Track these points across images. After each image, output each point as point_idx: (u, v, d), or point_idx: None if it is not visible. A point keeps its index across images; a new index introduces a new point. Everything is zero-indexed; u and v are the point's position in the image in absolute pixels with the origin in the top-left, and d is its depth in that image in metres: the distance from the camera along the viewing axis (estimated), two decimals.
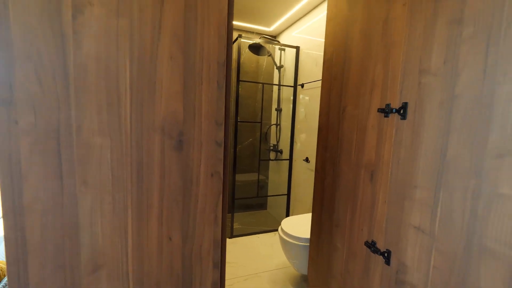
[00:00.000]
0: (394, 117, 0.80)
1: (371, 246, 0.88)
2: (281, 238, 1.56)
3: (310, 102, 2.06)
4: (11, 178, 0.45)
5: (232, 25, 0.58)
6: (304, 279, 1.72)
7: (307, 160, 2.08)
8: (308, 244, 1.44)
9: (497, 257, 0.54)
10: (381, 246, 0.85)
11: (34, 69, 0.45)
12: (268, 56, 2.52)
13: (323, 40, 1.85)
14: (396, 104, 0.80)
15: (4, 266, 0.85)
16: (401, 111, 0.77)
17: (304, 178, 2.15)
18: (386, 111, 0.82)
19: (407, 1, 0.77)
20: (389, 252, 0.82)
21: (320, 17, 1.92)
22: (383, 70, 0.85)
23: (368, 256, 0.91)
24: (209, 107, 0.57)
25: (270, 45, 2.49)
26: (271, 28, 2.45)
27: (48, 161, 0.47)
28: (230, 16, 0.57)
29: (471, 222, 0.59)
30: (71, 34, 0.46)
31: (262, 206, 2.83)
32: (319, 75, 1.93)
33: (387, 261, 0.82)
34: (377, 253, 0.85)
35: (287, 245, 1.53)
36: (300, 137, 2.22)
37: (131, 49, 0.50)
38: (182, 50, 0.53)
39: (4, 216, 0.46)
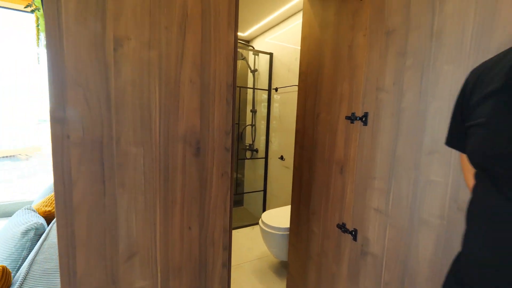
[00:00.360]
0: (358, 123, 1.01)
1: (342, 227, 1.09)
2: (262, 229, 1.73)
3: (283, 105, 2.26)
4: (63, 184, 0.54)
5: (237, 53, 0.72)
6: (282, 265, 1.92)
7: (282, 158, 2.28)
8: (286, 233, 1.63)
9: (429, 226, 0.77)
10: (349, 226, 1.06)
11: (83, 93, 0.54)
12: (242, 59, 2.65)
13: (295, 47, 2.05)
14: (359, 113, 1.01)
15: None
16: (363, 119, 0.98)
17: (279, 174, 2.35)
18: (352, 118, 1.03)
19: (366, 33, 0.98)
20: (355, 230, 1.03)
21: (292, 25, 2.11)
22: (349, 86, 1.05)
23: (340, 235, 1.12)
24: (220, 120, 0.70)
25: (244, 50, 2.63)
26: (245, 34, 2.59)
27: (93, 168, 0.57)
28: (235, 47, 0.71)
29: (413, 202, 0.82)
30: (113, 63, 0.56)
31: (239, 202, 2.97)
32: (292, 80, 2.13)
33: (354, 238, 1.03)
34: (346, 232, 1.07)
35: (268, 235, 1.70)
36: (275, 136, 2.41)
37: (159, 75, 0.61)
38: (199, 75, 0.66)
39: (57, 216, 0.54)
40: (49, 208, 1.42)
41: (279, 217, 1.79)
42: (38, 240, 1.14)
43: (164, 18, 0.60)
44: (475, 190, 0.46)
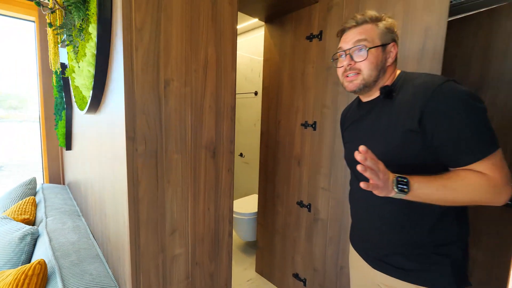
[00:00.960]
0: (310, 129, 1.44)
1: (300, 203, 1.51)
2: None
3: (242, 108, 2.60)
4: (133, 183, 0.77)
5: (236, 83, 1.03)
6: (248, 244, 2.28)
7: (241, 155, 2.63)
8: (253, 217, 2.00)
9: None
10: (305, 202, 1.50)
11: (146, 118, 0.78)
12: None
13: (252, 57, 2.39)
14: (310, 122, 1.43)
15: None
16: (313, 126, 1.41)
17: (239, 169, 2.69)
18: (305, 125, 1.46)
19: (314, 65, 1.40)
20: (310, 204, 1.47)
21: (251, 37, 2.45)
22: (303, 102, 1.47)
23: (298, 210, 1.54)
24: (226, 132, 1.01)
25: None
26: None
27: (151, 171, 0.81)
28: (235, 81, 1.02)
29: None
30: (163, 97, 0.81)
31: None
32: (248, 88, 2.48)
33: (309, 210, 1.47)
34: (303, 207, 1.50)
35: (237, 221, 2.04)
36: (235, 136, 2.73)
37: (191, 104, 0.88)
38: (215, 102, 0.95)
39: (129, 206, 0.77)
40: (27, 216, 1.43)
41: (243, 205, 2.14)
42: (35, 244, 1.21)
43: (194, 64, 0.87)
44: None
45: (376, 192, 0.59)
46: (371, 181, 0.58)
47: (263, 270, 1.86)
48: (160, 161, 0.83)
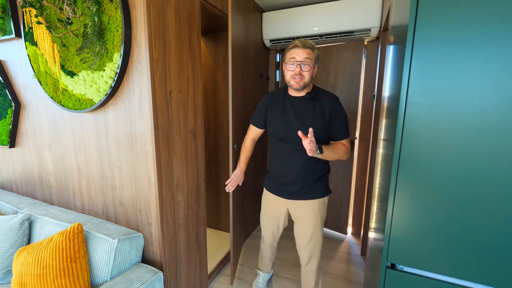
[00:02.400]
0: None
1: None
2: None
3: None
4: (157, 156, 1.24)
5: (202, 88, 1.58)
6: None
7: None
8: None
9: None
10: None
11: (162, 115, 1.25)
12: None
13: None
14: None
15: None
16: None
17: None
18: None
19: (219, 82, 2.06)
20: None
21: None
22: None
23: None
24: (200, 121, 1.56)
25: None
26: None
27: (165, 148, 1.29)
28: (201, 85, 1.56)
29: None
30: (169, 101, 1.29)
31: None
32: None
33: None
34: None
35: None
36: None
37: (182, 104, 1.39)
38: (193, 102, 1.48)
39: (156, 171, 1.25)
40: None
41: None
42: (31, 227, 1.41)
43: (182, 79, 1.37)
44: (273, 144, 1.62)
45: (309, 153, 1.20)
46: (310, 147, 1.15)
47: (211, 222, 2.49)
48: (169, 141, 1.32)
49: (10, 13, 1.48)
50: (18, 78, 1.63)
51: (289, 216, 1.56)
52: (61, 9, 1.24)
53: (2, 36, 1.55)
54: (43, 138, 1.62)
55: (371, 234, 1.47)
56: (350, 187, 2.44)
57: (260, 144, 2.07)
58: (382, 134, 1.35)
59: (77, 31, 1.21)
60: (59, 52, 1.28)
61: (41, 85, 1.46)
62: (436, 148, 0.77)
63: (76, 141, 1.48)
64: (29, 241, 1.40)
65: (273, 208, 1.55)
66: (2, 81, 1.64)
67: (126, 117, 1.27)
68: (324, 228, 2.62)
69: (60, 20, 1.22)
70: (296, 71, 1.25)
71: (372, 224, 1.44)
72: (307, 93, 1.34)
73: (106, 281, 1.19)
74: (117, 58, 1.17)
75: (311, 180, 1.40)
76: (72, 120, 1.46)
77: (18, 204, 1.60)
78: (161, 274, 1.26)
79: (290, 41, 2.30)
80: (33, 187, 1.77)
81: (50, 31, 1.25)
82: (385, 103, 1.30)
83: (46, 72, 1.42)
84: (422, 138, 0.78)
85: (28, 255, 1.18)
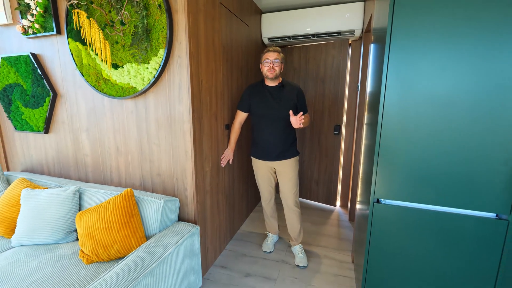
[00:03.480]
0: None
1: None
2: None
3: None
4: (193, 133, 1.55)
5: (221, 80, 1.89)
6: None
7: None
8: None
9: None
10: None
11: (197, 100, 1.55)
12: None
13: None
14: None
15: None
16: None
17: None
18: None
19: (225, 74, 2.38)
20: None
21: None
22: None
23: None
24: (221, 106, 1.87)
25: None
26: None
27: (198, 127, 1.60)
28: (221, 79, 1.88)
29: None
30: (201, 89, 1.59)
31: None
32: None
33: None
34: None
35: None
36: None
37: (213, 91, 1.69)
38: (215, 90, 1.79)
39: (193, 145, 1.55)
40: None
41: None
42: (80, 197, 1.66)
43: (209, 71, 1.68)
44: (256, 121, 1.97)
45: (295, 126, 1.69)
46: (299, 123, 1.67)
47: None
48: (201, 122, 1.62)
49: (52, 13, 1.70)
50: (56, 71, 1.84)
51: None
52: (109, 11, 1.49)
53: (43, 33, 1.75)
54: (81, 123, 1.85)
55: (359, 198, 1.87)
56: (338, 166, 2.85)
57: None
58: (365, 119, 1.74)
59: (126, 30, 1.47)
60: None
61: (83, 76, 1.70)
62: (406, 126, 1.16)
63: (115, 124, 1.73)
64: (80, 209, 1.65)
65: (264, 170, 2.00)
66: (40, 73, 1.84)
67: (166, 102, 1.55)
68: (316, 202, 3.04)
69: (112, 22, 1.48)
70: (270, 66, 1.77)
71: (360, 174, 1.83)
72: (279, 83, 1.87)
73: (156, 233, 1.48)
74: (162, 53, 1.45)
75: (287, 145, 1.90)
76: (112, 106, 1.71)
77: (59, 182, 1.83)
78: (198, 227, 1.57)
79: (286, 39, 2.65)
80: (68, 168, 2.00)
81: (102, 30, 1.50)
82: (367, 94, 1.69)
83: (89, 65, 1.66)
84: (395, 120, 1.16)
85: (91, 215, 1.44)
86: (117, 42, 1.51)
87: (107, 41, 1.52)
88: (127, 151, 1.75)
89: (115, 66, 1.58)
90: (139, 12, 1.42)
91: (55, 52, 1.81)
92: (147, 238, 1.46)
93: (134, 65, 1.53)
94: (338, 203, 2.98)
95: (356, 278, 1.76)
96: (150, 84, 1.52)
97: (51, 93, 1.86)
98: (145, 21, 1.42)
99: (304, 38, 2.57)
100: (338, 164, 2.85)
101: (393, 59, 1.14)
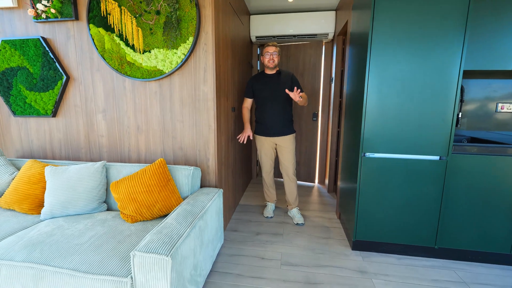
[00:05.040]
0: None
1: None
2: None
3: None
4: (216, 111, 1.82)
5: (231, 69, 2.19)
6: None
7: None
8: None
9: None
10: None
11: (218, 84, 1.83)
12: None
13: None
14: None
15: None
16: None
17: None
18: None
19: (231, 62, 2.71)
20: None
21: None
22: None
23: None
24: (240, 92, 2.17)
25: None
26: None
27: (217, 106, 1.87)
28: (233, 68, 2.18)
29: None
30: (219, 74, 1.88)
31: None
32: None
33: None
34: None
35: None
36: None
37: (226, 78, 1.98)
38: (231, 78, 2.08)
39: (216, 121, 1.83)
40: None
41: None
42: (107, 172, 1.78)
43: (224, 57, 1.97)
44: (259, 104, 2.38)
45: (296, 99, 2.09)
46: (298, 96, 2.07)
47: None
48: (220, 100, 1.90)
49: (71, 0, 1.79)
50: (69, 55, 1.91)
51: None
52: (140, 2, 1.69)
53: (60, 18, 1.82)
54: (96, 105, 1.95)
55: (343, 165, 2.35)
56: (316, 147, 3.35)
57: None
58: (348, 100, 2.23)
59: (159, 19, 1.69)
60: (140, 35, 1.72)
61: (105, 60, 1.83)
62: (381, 113, 1.64)
63: (136, 105, 1.89)
64: (107, 182, 1.77)
65: (267, 145, 2.37)
66: (52, 56, 1.89)
67: (192, 83, 1.80)
68: (298, 181, 3.49)
69: (145, 11, 1.67)
70: (270, 57, 2.20)
71: (348, 141, 2.31)
72: (277, 71, 2.29)
73: (188, 196, 1.71)
74: (191, 41, 1.70)
75: (286, 122, 2.30)
76: (134, 88, 1.87)
77: (70, 164, 1.90)
78: (221, 190, 1.84)
79: (271, 39, 3.05)
80: (77, 150, 2.05)
81: (135, 17, 1.68)
82: (345, 82, 2.19)
83: (112, 49, 1.80)
84: (375, 97, 1.64)
85: (130, 182, 1.60)
86: (151, 29, 1.71)
87: (139, 28, 1.70)
88: (148, 129, 1.92)
89: (141, 51, 1.76)
90: (171, 5, 1.65)
91: (70, 36, 1.89)
92: (182, 199, 1.68)
93: (162, 50, 1.74)
94: (316, 180, 3.48)
95: (343, 228, 2.23)
96: (177, 67, 1.75)
97: (64, 76, 1.91)
98: (178, 12, 1.66)
99: (286, 38, 3.01)
100: (316, 146, 3.35)
101: (374, 55, 1.62)
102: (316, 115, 3.23)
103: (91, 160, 2.05)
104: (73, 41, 1.89)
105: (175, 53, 1.73)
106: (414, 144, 1.67)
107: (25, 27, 1.93)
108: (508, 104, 2.00)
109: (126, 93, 1.89)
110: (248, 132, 2.30)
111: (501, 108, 2.00)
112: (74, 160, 2.07)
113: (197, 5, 1.67)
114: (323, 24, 2.84)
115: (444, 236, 1.75)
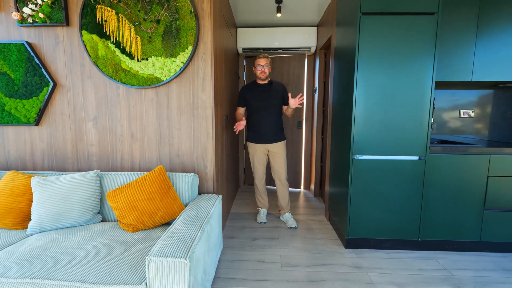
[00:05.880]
0: None
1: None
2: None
3: None
4: (213, 119, 1.87)
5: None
6: None
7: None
8: None
9: None
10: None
11: (215, 92, 1.88)
12: None
13: None
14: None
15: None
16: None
17: None
18: None
19: (223, 71, 2.80)
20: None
21: None
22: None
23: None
24: (232, 102, 2.22)
25: None
26: None
27: (214, 114, 1.92)
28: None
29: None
30: (216, 82, 1.93)
31: None
32: None
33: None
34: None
35: None
36: None
37: (220, 83, 2.04)
38: (220, 82, 2.14)
39: (215, 127, 1.86)
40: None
41: None
42: (100, 181, 1.71)
43: (219, 66, 2.03)
44: (252, 112, 2.48)
45: (293, 106, 2.23)
46: (298, 103, 2.20)
47: None
48: (217, 108, 1.94)
49: (62, 5, 1.75)
50: (57, 61, 1.84)
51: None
52: (139, 11, 1.70)
53: (48, 23, 1.76)
54: (87, 113, 1.88)
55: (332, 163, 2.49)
56: (301, 154, 3.49)
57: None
58: (333, 110, 2.40)
59: (157, 28, 1.71)
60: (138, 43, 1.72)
61: (98, 67, 1.79)
62: (368, 119, 1.82)
63: (131, 112, 1.86)
64: (101, 192, 1.69)
65: (260, 152, 2.45)
66: (38, 62, 1.80)
67: (189, 91, 1.83)
68: None
69: (144, 19, 1.69)
70: (262, 69, 2.32)
71: (334, 146, 2.46)
72: (269, 82, 2.40)
73: (189, 202, 1.70)
74: (190, 50, 1.75)
75: (277, 130, 2.41)
76: (129, 95, 1.85)
77: (58, 173, 1.79)
78: (221, 196, 1.85)
79: (257, 51, 3.19)
80: (63, 160, 1.93)
81: (134, 26, 1.68)
82: (330, 91, 2.37)
83: (107, 56, 1.78)
84: (362, 106, 1.82)
85: (129, 190, 1.56)
86: (150, 37, 1.72)
87: (138, 36, 1.71)
88: (143, 137, 1.89)
89: (139, 59, 1.76)
90: (170, 15, 1.70)
91: (59, 42, 1.82)
92: (184, 206, 1.67)
93: (160, 58, 1.75)
94: (302, 185, 3.60)
95: (334, 228, 2.34)
96: (176, 75, 1.77)
97: (51, 83, 1.83)
98: (178, 22, 1.70)
99: (272, 50, 3.17)
100: (301, 153, 3.49)
101: (360, 68, 1.80)
102: (300, 124, 3.38)
103: (79, 170, 1.94)
104: (62, 47, 1.83)
105: (173, 61, 1.76)
106: (397, 146, 1.86)
107: (6, 31, 1.82)
108: (468, 111, 2.31)
109: (120, 100, 1.86)
110: (241, 124, 2.20)
111: (463, 114, 2.31)
112: (59, 171, 1.94)
113: (196, 16, 1.73)
114: (306, 38, 3.05)
115: (425, 229, 1.93)
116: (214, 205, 1.64)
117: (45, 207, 1.50)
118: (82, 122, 1.89)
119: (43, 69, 1.81)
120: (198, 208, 1.56)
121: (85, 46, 1.78)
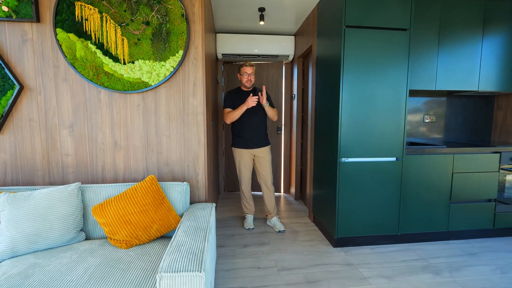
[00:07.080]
0: None
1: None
2: None
3: None
4: (205, 126, 1.82)
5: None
6: None
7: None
8: None
9: None
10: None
11: (205, 99, 1.85)
12: None
13: None
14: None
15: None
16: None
17: None
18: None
19: (209, 76, 2.76)
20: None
21: None
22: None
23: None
24: (219, 105, 2.18)
25: None
26: None
27: (205, 122, 1.88)
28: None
29: None
30: (207, 86, 1.90)
31: None
32: None
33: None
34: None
35: None
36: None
37: (208, 89, 2.00)
38: (207, 87, 2.11)
39: (206, 135, 1.82)
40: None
41: None
42: (82, 194, 1.56)
43: (208, 71, 2.00)
44: (238, 119, 2.51)
45: (263, 102, 2.29)
46: (263, 101, 2.27)
47: None
48: (207, 114, 1.90)
49: None
50: (24, 61, 1.63)
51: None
52: (125, 11, 1.60)
53: (14, 18, 1.55)
54: (61, 119, 1.69)
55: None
56: (280, 159, 3.56)
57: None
58: (313, 124, 2.51)
59: (145, 30, 1.62)
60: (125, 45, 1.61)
61: (76, 69, 1.63)
62: (353, 124, 1.95)
63: (114, 118, 1.73)
64: (84, 206, 1.52)
65: (246, 157, 2.47)
66: (1, 62, 1.58)
67: (179, 96, 1.76)
68: None
69: (131, 20, 1.59)
70: (248, 78, 2.37)
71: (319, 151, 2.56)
72: (252, 88, 2.47)
73: (183, 212, 1.62)
74: (180, 54, 1.69)
75: (263, 135, 2.47)
76: (112, 100, 1.71)
77: (27, 188, 1.58)
78: (214, 204, 1.80)
79: (237, 57, 3.20)
80: (31, 173, 1.70)
81: (120, 26, 1.57)
82: (311, 98, 2.49)
83: (86, 58, 1.63)
84: (348, 112, 1.94)
85: (118, 203, 1.43)
86: (139, 39, 1.62)
87: (125, 38, 1.60)
88: (128, 145, 1.76)
89: (124, 62, 1.65)
90: (160, 17, 1.63)
91: (27, 40, 1.62)
92: (180, 216, 1.59)
93: (148, 62, 1.67)
94: (282, 189, 3.67)
95: (320, 229, 2.43)
96: (165, 79, 1.70)
97: (16, 86, 1.61)
98: (168, 25, 1.64)
99: (252, 57, 3.21)
100: (281, 158, 3.57)
101: (345, 76, 1.92)
102: (280, 129, 3.46)
103: (51, 184, 1.73)
104: (31, 46, 1.63)
105: (163, 65, 1.68)
106: (378, 148, 2.02)
107: None
108: (431, 116, 2.61)
109: (102, 106, 1.71)
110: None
111: (427, 119, 2.60)
112: (26, 185, 1.71)
113: (187, 20, 1.69)
114: (284, 46, 3.15)
115: (403, 224, 2.12)
116: (211, 214, 1.60)
117: (17, 227, 1.30)
118: (56, 129, 1.70)
119: (6, 70, 1.59)
120: (196, 218, 1.50)
121: (60, 45, 1.61)
